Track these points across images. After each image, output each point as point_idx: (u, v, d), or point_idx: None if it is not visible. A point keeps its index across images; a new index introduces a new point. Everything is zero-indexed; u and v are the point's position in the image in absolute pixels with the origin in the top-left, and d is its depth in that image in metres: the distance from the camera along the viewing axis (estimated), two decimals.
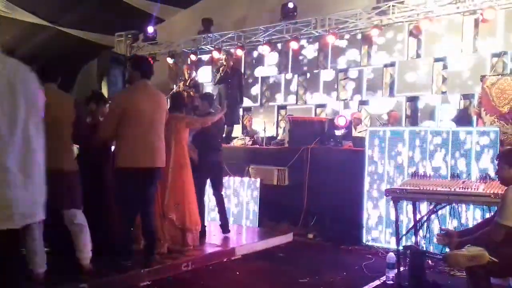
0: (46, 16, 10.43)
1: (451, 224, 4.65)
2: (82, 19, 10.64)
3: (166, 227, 4.89)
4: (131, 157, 4.09)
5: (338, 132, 7.38)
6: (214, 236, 5.76)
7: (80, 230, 3.87)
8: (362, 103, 9.10)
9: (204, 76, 10.79)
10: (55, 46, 10.26)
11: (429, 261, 4.77)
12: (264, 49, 9.50)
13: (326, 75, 9.49)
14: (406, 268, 4.25)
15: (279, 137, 8.49)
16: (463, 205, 4.65)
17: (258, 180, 6.68)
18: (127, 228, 4.23)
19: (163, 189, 4.85)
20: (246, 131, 8.80)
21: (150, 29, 10.91)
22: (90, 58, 12.02)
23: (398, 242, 4.07)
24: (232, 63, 8.77)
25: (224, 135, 7.25)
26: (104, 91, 10.17)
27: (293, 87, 9.93)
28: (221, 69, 8.56)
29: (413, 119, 8.47)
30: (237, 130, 9.41)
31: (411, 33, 8.63)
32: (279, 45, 9.98)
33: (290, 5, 9.25)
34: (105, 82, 10.30)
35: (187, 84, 8.92)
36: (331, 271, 4.70)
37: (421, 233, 4.46)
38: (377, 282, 4.37)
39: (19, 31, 10.57)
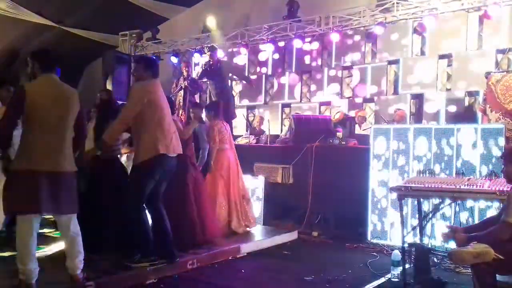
0: (51, 16, 10.47)
1: (456, 222, 4.64)
2: (87, 19, 10.67)
3: (248, 208, 5.91)
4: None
5: (334, 127, 7.32)
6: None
7: (76, 238, 3.60)
8: (367, 100, 9.09)
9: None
10: (60, 46, 10.29)
11: (435, 258, 4.77)
12: (267, 48, 9.49)
13: (330, 73, 9.48)
14: (411, 265, 4.25)
15: (282, 134, 8.48)
16: (468, 203, 4.64)
17: (263, 178, 6.68)
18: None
19: (236, 177, 5.83)
20: (251, 129, 8.81)
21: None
22: (94, 57, 12.07)
23: (403, 239, 4.07)
24: (217, 58, 8.82)
25: None
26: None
27: (297, 85, 9.92)
28: (203, 64, 8.70)
29: (417, 116, 8.44)
30: (241, 129, 9.41)
31: (415, 30, 8.60)
32: (283, 43, 9.97)
33: (294, 3, 9.24)
34: (110, 81, 10.35)
35: (185, 81, 8.99)
36: (336, 268, 4.70)
37: (426, 230, 4.46)
38: (382, 280, 4.38)
39: (23, 31, 10.61)
